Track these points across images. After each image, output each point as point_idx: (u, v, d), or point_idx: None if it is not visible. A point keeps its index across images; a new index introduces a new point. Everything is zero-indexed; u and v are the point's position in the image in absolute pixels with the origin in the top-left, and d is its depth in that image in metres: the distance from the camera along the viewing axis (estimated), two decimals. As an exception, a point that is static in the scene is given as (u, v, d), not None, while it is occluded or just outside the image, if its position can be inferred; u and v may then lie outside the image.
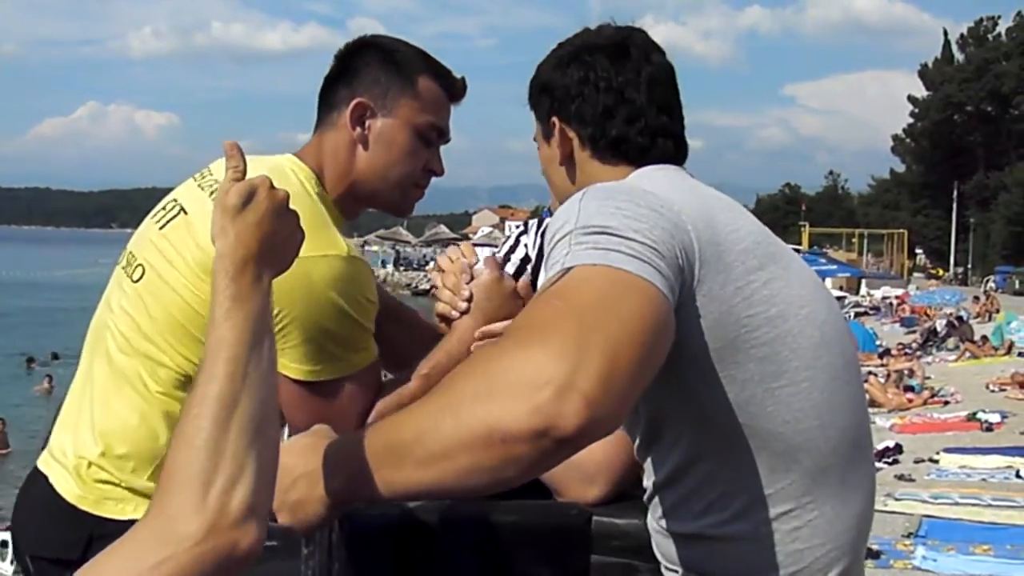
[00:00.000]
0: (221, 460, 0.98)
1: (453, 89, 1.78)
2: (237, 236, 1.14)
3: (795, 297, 1.26)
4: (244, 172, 1.20)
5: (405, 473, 1.07)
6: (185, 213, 1.67)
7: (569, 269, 1.11)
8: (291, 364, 1.60)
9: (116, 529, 1.60)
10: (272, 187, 1.20)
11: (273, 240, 1.17)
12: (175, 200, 1.72)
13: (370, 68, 1.72)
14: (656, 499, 1.33)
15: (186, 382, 1.62)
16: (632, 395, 1.04)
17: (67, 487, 1.67)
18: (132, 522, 1.61)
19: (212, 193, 1.65)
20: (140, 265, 1.69)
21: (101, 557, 0.97)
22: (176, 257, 1.63)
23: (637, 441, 1.35)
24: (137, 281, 1.68)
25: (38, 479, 1.73)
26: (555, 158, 1.50)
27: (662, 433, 1.29)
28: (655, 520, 1.35)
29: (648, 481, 1.35)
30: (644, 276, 1.10)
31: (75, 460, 1.67)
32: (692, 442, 1.26)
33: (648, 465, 1.34)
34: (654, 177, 1.36)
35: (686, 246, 1.18)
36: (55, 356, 26.53)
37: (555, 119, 1.48)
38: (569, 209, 1.20)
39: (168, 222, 1.69)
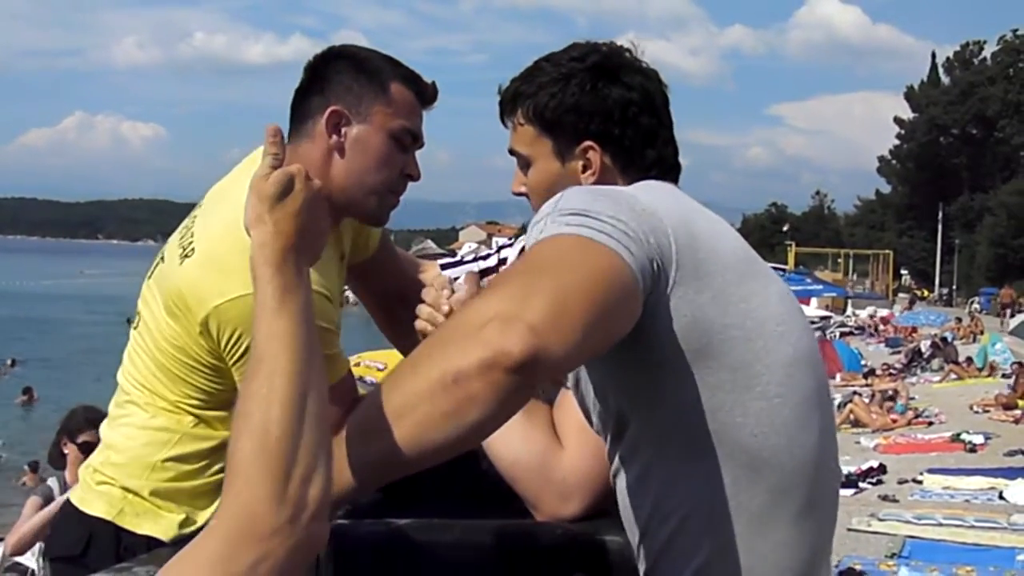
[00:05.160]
0: (298, 452, 0.95)
1: (425, 94, 1.79)
2: (276, 225, 1.12)
3: (772, 315, 1.27)
4: (282, 160, 1.18)
5: (375, 445, 1.07)
6: (163, 262, 1.79)
7: (539, 242, 1.16)
8: None
9: (107, 530, 1.77)
10: (308, 177, 1.18)
11: (309, 230, 1.15)
12: (164, 249, 1.84)
13: (342, 76, 1.74)
14: (630, 517, 1.33)
15: (184, 404, 1.79)
16: (582, 342, 1.05)
17: (75, 493, 1.88)
18: (118, 526, 1.77)
19: (184, 252, 1.72)
20: (138, 314, 1.85)
21: (179, 559, 0.92)
22: (155, 306, 1.77)
23: (608, 439, 1.34)
24: (136, 328, 1.85)
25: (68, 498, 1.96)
26: (570, 180, 1.43)
27: (629, 426, 1.29)
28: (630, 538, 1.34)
29: (619, 496, 1.34)
30: (609, 246, 1.13)
31: (84, 469, 1.88)
32: (659, 439, 1.26)
33: (620, 479, 1.34)
34: (642, 187, 1.36)
35: (663, 247, 1.19)
36: (13, 363, 26.40)
37: (589, 143, 1.44)
38: (551, 201, 1.22)
39: (152, 273, 1.83)
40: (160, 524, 1.77)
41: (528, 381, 1.02)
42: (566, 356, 1.04)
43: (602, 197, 1.21)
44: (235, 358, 1.67)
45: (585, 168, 1.45)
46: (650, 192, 1.31)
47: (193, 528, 1.77)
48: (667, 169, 1.46)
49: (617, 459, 1.33)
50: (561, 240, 1.14)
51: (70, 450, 4.64)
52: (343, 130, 1.73)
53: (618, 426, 1.31)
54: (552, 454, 1.56)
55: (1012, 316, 31.87)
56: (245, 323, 1.62)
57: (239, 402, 1.00)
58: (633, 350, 1.21)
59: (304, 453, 0.95)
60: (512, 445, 1.59)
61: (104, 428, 1.90)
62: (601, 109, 1.43)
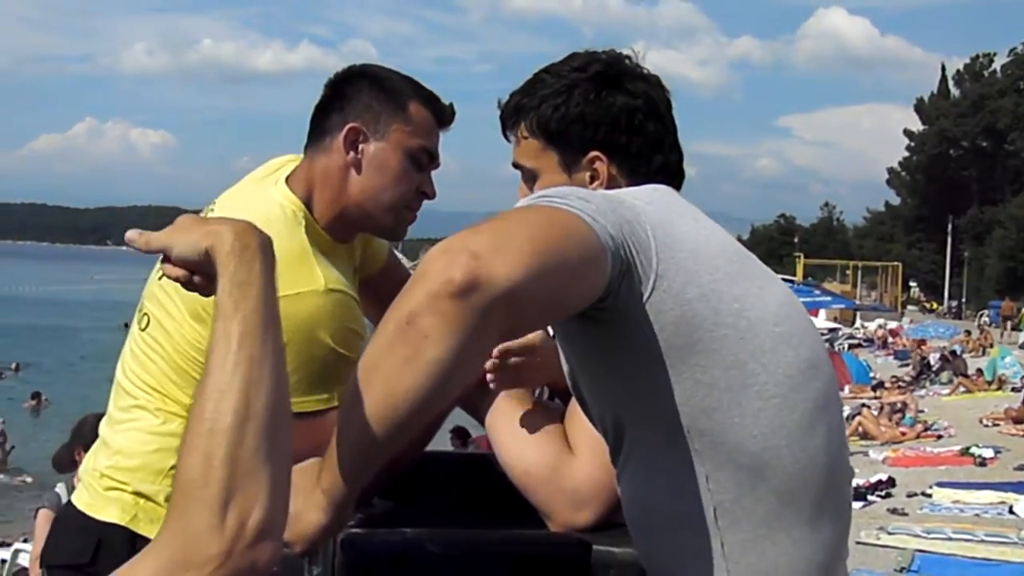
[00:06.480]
0: (238, 478, 0.93)
1: (442, 115, 1.82)
2: (229, 224, 1.05)
3: (769, 315, 1.25)
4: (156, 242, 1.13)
5: (354, 420, 1.04)
6: None
7: None
8: None
9: (121, 536, 1.75)
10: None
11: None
12: None
13: (362, 95, 1.76)
14: (636, 524, 1.32)
15: None
16: (531, 272, 1.02)
17: (80, 497, 1.84)
18: (133, 531, 1.75)
19: None
20: (146, 314, 1.81)
21: (124, 571, 0.92)
22: (172, 307, 1.74)
23: (609, 448, 1.33)
24: (144, 329, 1.80)
25: (68, 503, 1.92)
26: None
27: (625, 432, 1.28)
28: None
29: (624, 504, 1.33)
30: (572, 211, 1.12)
31: (89, 473, 1.84)
32: (656, 443, 1.24)
33: (622, 487, 1.32)
34: (629, 188, 1.35)
35: (639, 238, 1.18)
36: (17, 367, 26.52)
37: (596, 153, 1.43)
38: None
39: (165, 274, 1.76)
40: None
41: (476, 304, 0.99)
42: (512, 281, 1.01)
43: (577, 190, 1.21)
44: None
45: (593, 179, 1.43)
46: (634, 192, 1.30)
47: None
48: (672, 175, 1.45)
49: (619, 467, 1.33)
50: (522, 207, 1.16)
51: (82, 459, 4.65)
52: (360, 147, 1.75)
53: (616, 433, 1.30)
54: (564, 463, 1.56)
55: (1013, 329, 31.80)
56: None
57: (193, 406, 0.97)
58: (621, 347, 1.20)
59: (246, 480, 0.93)
60: (524, 455, 1.58)
61: (105, 430, 1.86)
62: (607, 118, 1.42)
